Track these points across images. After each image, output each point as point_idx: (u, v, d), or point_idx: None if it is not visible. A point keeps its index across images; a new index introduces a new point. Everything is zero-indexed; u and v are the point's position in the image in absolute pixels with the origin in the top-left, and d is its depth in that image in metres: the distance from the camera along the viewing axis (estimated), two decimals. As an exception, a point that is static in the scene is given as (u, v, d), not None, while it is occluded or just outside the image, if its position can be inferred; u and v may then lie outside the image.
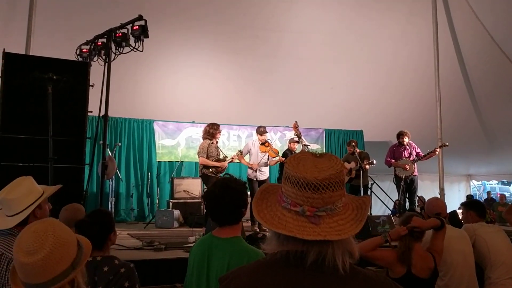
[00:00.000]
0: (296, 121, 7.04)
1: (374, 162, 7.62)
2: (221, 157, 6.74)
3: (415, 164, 7.81)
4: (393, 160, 8.00)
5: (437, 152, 7.95)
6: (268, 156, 7.31)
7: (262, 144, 7.31)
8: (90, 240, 2.37)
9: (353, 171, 7.94)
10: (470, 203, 4.31)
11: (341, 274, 1.06)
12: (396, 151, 8.07)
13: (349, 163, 8.07)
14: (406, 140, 7.95)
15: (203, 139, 6.76)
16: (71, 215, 2.96)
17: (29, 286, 1.42)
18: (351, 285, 1.08)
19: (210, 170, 6.53)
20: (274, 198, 1.20)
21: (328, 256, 1.07)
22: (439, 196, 8.76)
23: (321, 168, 1.11)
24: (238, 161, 7.30)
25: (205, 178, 6.63)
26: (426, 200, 4.08)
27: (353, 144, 8.23)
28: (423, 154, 7.87)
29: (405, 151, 7.96)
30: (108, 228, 2.41)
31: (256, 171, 7.20)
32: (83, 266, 1.54)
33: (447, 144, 8.05)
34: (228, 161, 6.82)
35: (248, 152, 7.37)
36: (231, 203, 2.16)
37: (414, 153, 7.94)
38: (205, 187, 7.54)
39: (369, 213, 7.78)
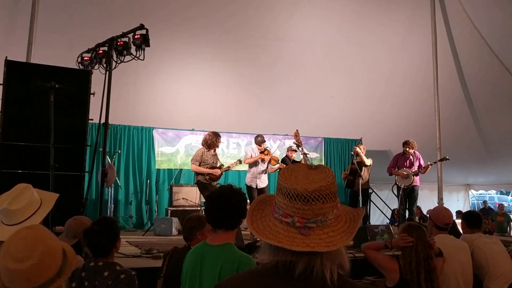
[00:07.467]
0: (297, 130, 7.07)
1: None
2: (217, 165, 6.79)
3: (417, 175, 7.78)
4: (393, 169, 8.00)
5: (429, 168, 7.86)
6: (268, 163, 7.36)
7: (262, 152, 7.36)
8: (97, 247, 2.43)
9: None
10: (463, 214, 4.39)
11: (329, 285, 1.08)
12: (399, 159, 8.07)
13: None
14: (408, 150, 7.90)
15: (201, 146, 6.86)
16: (77, 224, 3.03)
17: None
18: None
19: (205, 177, 6.62)
20: (269, 208, 1.22)
21: (316, 267, 1.08)
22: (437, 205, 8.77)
23: (312, 180, 1.13)
24: (235, 168, 7.34)
25: (200, 185, 6.70)
26: (422, 209, 4.13)
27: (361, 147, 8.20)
28: (423, 166, 7.84)
29: (407, 160, 7.94)
30: (114, 236, 2.50)
31: (256, 178, 7.25)
32: (68, 275, 1.56)
33: (447, 157, 8.03)
34: (224, 169, 6.87)
35: None
36: (235, 207, 2.20)
37: (416, 164, 7.88)
38: (200, 194, 7.54)
39: (368, 223, 7.81)
